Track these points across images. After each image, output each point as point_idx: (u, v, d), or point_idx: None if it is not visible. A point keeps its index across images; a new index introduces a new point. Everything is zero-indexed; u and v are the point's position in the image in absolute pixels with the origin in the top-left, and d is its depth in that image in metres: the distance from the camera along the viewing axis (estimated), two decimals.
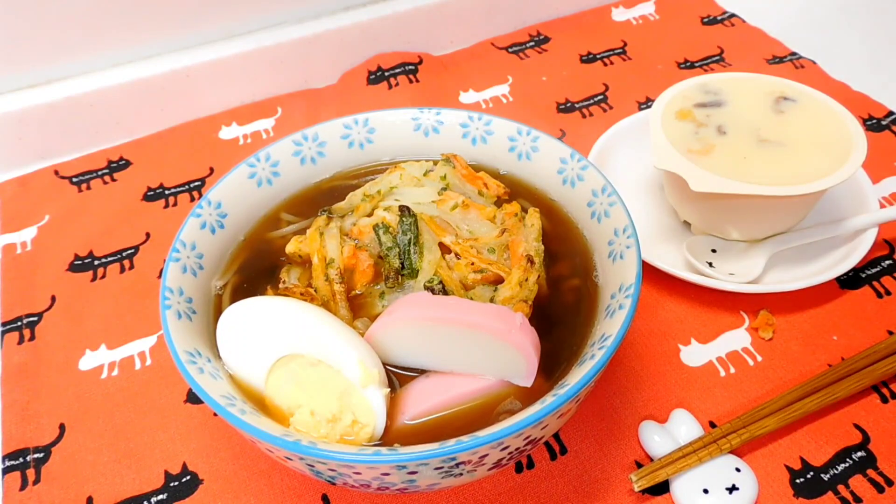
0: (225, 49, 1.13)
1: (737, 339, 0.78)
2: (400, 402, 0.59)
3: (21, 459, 0.71)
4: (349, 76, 1.20)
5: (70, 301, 0.87)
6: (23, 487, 0.69)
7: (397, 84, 1.17)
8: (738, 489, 0.64)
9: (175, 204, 1.00)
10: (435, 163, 0.75)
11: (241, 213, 0.71)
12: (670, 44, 1.23)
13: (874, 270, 0.84)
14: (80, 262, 0.92)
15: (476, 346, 0.58)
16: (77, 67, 1.08)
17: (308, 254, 0.67)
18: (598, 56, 1.21)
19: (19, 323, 0.84)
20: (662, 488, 0.65)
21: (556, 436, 0.70)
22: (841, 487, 0.65)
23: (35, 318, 0.85)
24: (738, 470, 0.65)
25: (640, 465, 0.67)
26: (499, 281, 0.65)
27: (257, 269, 0.70)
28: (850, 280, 0.83)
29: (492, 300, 0.64)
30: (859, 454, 0.67)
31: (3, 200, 1.02)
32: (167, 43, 1.12)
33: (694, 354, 0.77)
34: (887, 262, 0.85)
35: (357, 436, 0.56)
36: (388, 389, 0.59)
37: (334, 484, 0.57)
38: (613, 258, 0.65)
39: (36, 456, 0.72)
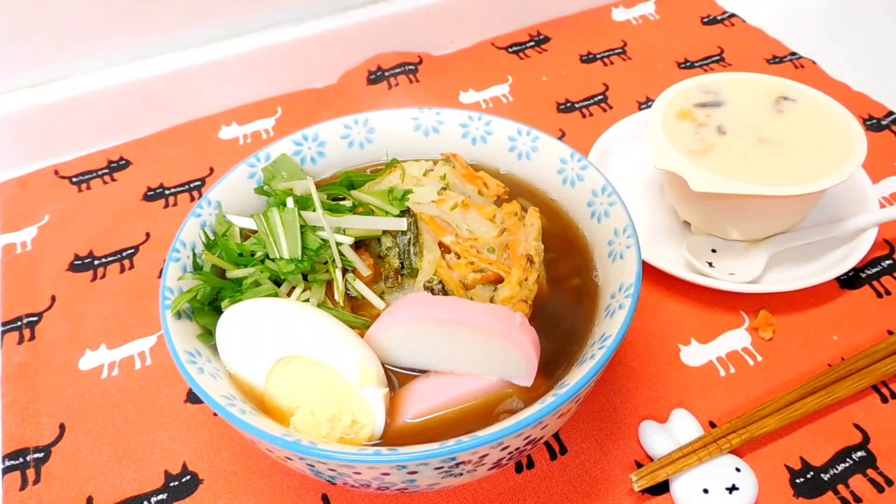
0: (225, 49, 1.13)
1: (737, 339, 0.78)
2: (400, 402, 0.59)
3: (21, 459, 0.71)
4: (349, 76, 1.20)
5: (70, 301, 0.87)
6: (23, 487, 0.69)
7: (397, 84, 1.17)
8: (738, 489, 0.64)
9: (175, 204, 1.00)
10: (435, 162, 0.75)
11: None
12: (670, 44, 1.23)
13: (874, 270, 0.84)
14: (80, 262, 0.92)
15: (476, 346, 0.58)
16: (77, 67, 1.09)
17: None
18: (598, 56, 1.21)
19: (19, 323, 0.85)
20: (662, 488, 0.65)
21: (556, 436, 0.70)
22: (841, 487, 0.65)
23: (35, 318, 0.85)
24: (738, 470, 0.65)
25: (640, 465, 0.67)
26: (499, 281, 0.65)
27: None
28: (850, 280, 0.83)
29: (492, 300, 0.64)
30: (859, 454, 0.67)
31: (3, 200, 1.02)
32: (167, 43, 1.12)
33: (694, 354, 0.77)
34: (887, 262, 0.85)
35: (356, 436, 0.56)
36: (387, 389, 0.59)
37: (334, 484, 0.57)
38: (613, 258, 0.65)
39: (36, 456, 0.72)
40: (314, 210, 0.65)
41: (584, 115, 1.10)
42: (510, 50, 1.24)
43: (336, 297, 0.64)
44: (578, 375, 0.54)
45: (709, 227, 0.85)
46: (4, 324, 0.85)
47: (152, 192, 1.02)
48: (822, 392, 0.70)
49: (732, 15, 1.28)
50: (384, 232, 0.67)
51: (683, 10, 1.30)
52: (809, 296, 0.81)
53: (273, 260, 0.63)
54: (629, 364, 0.76)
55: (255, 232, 0.67)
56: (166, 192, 1.02)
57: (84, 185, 1.04)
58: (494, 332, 0.57)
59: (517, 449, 0.55)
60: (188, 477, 0.69)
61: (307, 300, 0.63)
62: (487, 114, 0.78)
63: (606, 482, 0.66)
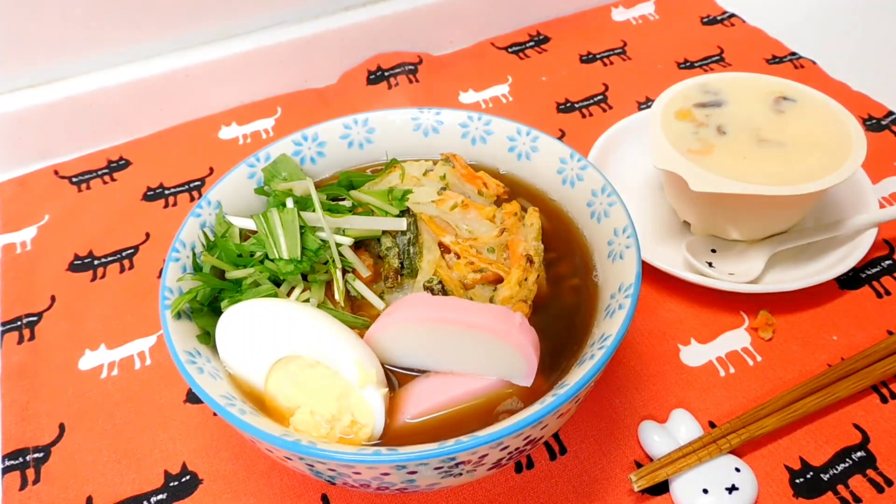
0: (225, 49, 1.13)
1: (737, 339, 0.78)
2: (400, 402, 0.59)
3: (21, 459, 0.71)
4: (349, 76, 1.20)
5: (70, 301, 0.87)
6: (23, 487, 0.69)
7: (397, 84, 1.17)
8: (737, 489, 0.64)
9: (175, 204, 1.00)
10: (434, 162, 0.75)
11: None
12: (670, 44, 1.23)
13: (874, 270, 0.84)
14: (80, 262, 0.92)
15: (476, 346, 0.58)
16: (77, 67, 1.09)
17: None
18: (597, 56, 1.21)
19: (19, 323, 0.85)
20: (662, 488, 0.65)
21: (555, 436, 0.70)
22: (840, 487, 0.65)
23: (35, 318, 0.85)
24: (737, 470, 0.65)
25: (639, 465, 0.67)
26: (498, 280, 0.65)
27: None
28: (850, 280, 0.83)
29: (491, 300, 0.64)
30: (859, 454, 0.67)
31: (3, 200, 1.02)
32: (167, 43, 1.12)
33: (694, 354, 0.77)
34: (887, 262, 0.85)
35: (356, 436, 0.56)
36: (387, 389, 0.59)
37: (334, 484, 0.57)
38: (613, 258, 0.65)
39: (36, 456, 0.72)
40: (314, 210, 0.65)
41: (583, 115, 1.10)
42: (510, 50, 1.24)
43: (336, 297, 0.64)
44: (578, 375, 0.54)
45: (709, 227, 0.85)
46: (4, 324, 0.85)
47: (152, 192, 1.02)
48: (822, 392, 0.70)
49: (732, 15, 1.28)
50: (384, 232, 0.67)
51: (683, 10, 1.30)
52: (809, 296, 0.81)
53: (272, 260, 0.63)
54: (629, 364, 0.76)
55: (254, 232, 0.67)
56: (166, 192, 1.02)
57: (84, 185, 1.04)
58: (494, 332, 0.57)
59: (517, 449, 0.55)
60: (188, 477, 0.69)
61: (307, 300, 0.63)
62: (487, 114, 0.78)
63: (606, 482, 0.66)
